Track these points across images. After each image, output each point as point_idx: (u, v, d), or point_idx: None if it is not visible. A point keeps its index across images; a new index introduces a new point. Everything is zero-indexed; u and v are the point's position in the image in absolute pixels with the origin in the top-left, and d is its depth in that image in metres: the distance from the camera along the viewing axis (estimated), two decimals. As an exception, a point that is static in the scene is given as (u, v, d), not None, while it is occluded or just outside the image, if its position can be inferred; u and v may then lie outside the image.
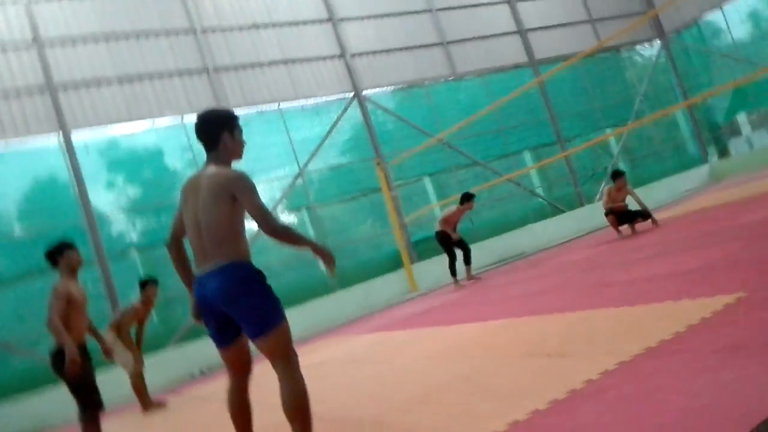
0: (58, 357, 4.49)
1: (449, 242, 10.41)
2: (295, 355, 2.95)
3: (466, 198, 10.36)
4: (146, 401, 6.96)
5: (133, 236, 11.78)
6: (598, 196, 16.58)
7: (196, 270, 3.01)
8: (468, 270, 10.68)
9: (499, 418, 2.90)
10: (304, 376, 2.93)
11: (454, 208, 10.58)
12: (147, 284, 7.18)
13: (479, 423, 2.92)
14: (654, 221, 9.82)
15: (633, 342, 3.46)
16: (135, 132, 12.00)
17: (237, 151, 3.16)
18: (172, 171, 12.30)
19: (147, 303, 7.17)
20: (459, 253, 10.57)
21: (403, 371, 4.81)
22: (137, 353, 7.06)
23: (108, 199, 11.67)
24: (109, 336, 6.79)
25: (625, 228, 10.11)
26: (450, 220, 10.46)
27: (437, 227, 10.50)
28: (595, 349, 3.62)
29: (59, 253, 4.68)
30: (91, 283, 10.71)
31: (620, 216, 9.98)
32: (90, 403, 4.48)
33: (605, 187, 10.39)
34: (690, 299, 4.09)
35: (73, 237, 10.77)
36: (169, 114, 12.19)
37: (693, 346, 3.08)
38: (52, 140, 11.13)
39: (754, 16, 17.60)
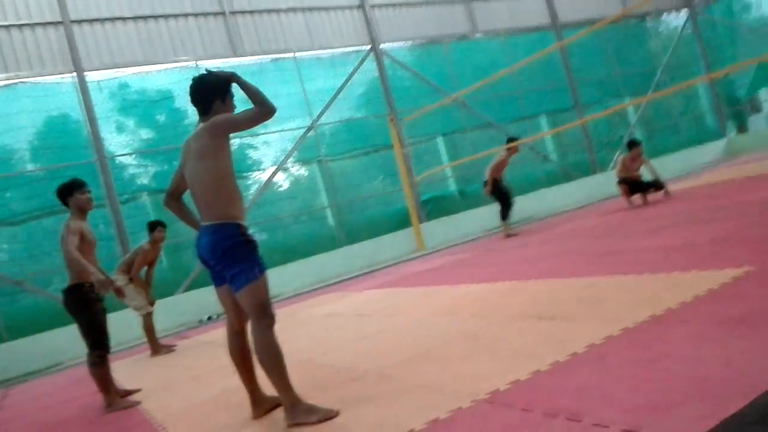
0: (71, 294, 4.57)
1: (501, 189, 10.54)
2: (270, 315, 3.07)
3: (511, 140, 10.62)
4: (155, 344, 7.11)
5: (144, 179, 11.81)
6: (611, 165, 16.45)
7: (201, 221, 3.22)
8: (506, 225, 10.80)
9: (500, 377, 2.94)
10: (277, 335, 3.08)
11: (503, 154, 10.60)
12: (155, 226, 7.26)
13: (480, 381, 2.96)
14: (666, 192, 9.74)
15: (639, 309, 3.48)
16: (148, 73, 11.90)
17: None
18: (184, 114, 12.23)
19: (156, 245, 7.25)
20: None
21: (407, 327, 4.87)
22: (148, 294, 7.18)
23: (119, 141, 11.65)
24: (119, 277, 6.91)
25: (636, 198, 10.04)
26: (499, 167, 10.56)
27: (487, 176, 10.54)
28: (600, 315, 3.64)
29: (69, 194, 4.71)
30: (103, 225, 10.84)
31: (632, 185, 9.90)
32: (99, 345, 4.56)
33: (620, 156, 10.29)
34: (698, 271, 4.09)
35: (85, 177, 10.87)
36: (184, 57, 12.07)
37: (699, 316, 3.09)
38: (65, 78, 11.06)
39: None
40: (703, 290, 3.52)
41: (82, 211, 4.73)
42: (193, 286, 11.20)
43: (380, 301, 6.90)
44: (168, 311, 10.41)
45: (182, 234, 11.09)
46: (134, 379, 5.80)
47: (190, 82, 3.26)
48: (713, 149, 18.09)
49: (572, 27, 16.82)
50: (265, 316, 3.05)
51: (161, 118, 12.01)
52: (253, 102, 3.08)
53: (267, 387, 3.25)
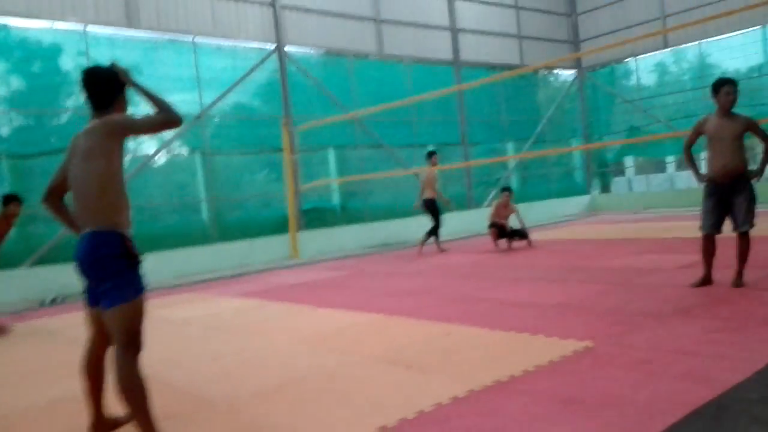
0: None
1: (437, 207, 11.23)
2: (137, 345, 2.86)
3: (432, 154, 11.43)
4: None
5: (4, 134, 10.70)
6: (486, 202, 17.32)
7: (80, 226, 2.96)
8: (424, 241, 11.44)
9: (349, 427, 3.00)
10: (141, 365, 2.86)
11: (431, 169, 11.27)
12: (10, 200, 6.69)
13: (328, 428, 3.00)
14: (529, 242, 10.44)
15: (486, 371, 3.69)
16: (30, 27, 10.92)
17: (124, 111, 3.11)
18: (64, 73, 11.33)
19: (8, 220, 6.68)
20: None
21: (265, 351, 4.82)
22: None
23: None
24: None
25: (502, 242, 10.65)
26: (434, 183, 11.22)
27: (428, 195, 11.16)
28: (452, 370, 3.81)
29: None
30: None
31: (501, 230, 10.52)
32: None
33: (495, 201, 10.94)
34: (545, 336, 4.41)
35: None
36: (72, 19, 11.19)
37: (536, 388, 3.32)
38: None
39: (660, 67, 18.98)
40: (545, 360, 3.80)
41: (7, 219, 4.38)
42: (42, 261, 10.37)
43: (243, 313, 6.78)
44: (8, 286, 9.58)
45: (37, 205, 10.22)
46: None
47: (86, 71, 3.00)
48: (578, 203, 19.59)
49: (472, 66, 17.60)
50: (132, 344, 2.82)
51: (36, 74, 11.00)
52: (158, 108, 2.88)
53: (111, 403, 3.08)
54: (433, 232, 11.34)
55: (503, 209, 10.51)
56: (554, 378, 3.47)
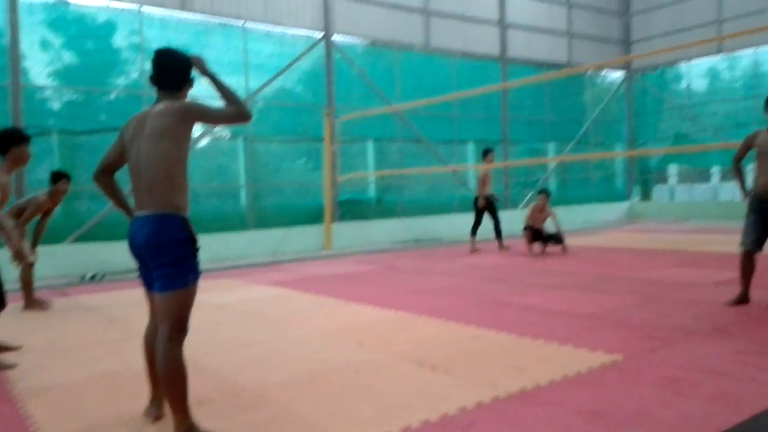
0: None
1: (493, 205, 11.31)
2: (185, 330, 2.93)
3: (488, 152, 11.38)
4: (30, 298, 6.77)
5: (56, 108, 11.03)
6: (522, 204, 17.18)
7: (135, 208, 2.99)
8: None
9: (372, 426, 3.06)
10: (183, 346, 2.92)
11: (486, 167, 11.32)
12: (60, 177, 6.90)
13: (353, 425, 3.07)
14: (564, 248, 10.32)
15: (512, 378, 3.71)
16: (86, 6, 11.21)
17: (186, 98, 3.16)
18: (116, 51, 11.62)
19: (55, 198, 6.90)
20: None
21: (296, 342, 4.92)
22: (32, 246, 6.82)
23: (40, 59, 10.81)
24: (8, 221, 6.52)
25: (536, 246, 10.56)
26: (488, 181, 11.30)
27: (483, 192, 11.25)
28: (477, 375, 3.84)
29: (9, 145, 4.52)
30: None
31: (536, 234, 10.42)
32: None
33: (532, 203, 10.86)
34: (574, 347, 4.40)
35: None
36: (129, 0, 11.47)
37: (562, 399, 3.33)
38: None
39: (712, 72, 18.46)
40: (572, 372, 3.80)
41: (15, 166, 4.62)
42: (84, 237, 10.71)
43: (276, 301, 6.91)
44: (50, 261, 9.88)
45: (83, 182, 10.56)
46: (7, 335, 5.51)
47: (161, 51, 3.04)
48: (617, 209, 19.26)
49: (518, 63, 17.41)
50: (181, 330, 2.88)
51: (89, 51, 11.29)
52: (228, 101, 2.94)
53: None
54: (497, 229, 11.42)
55: (539, 212, 10.41)
56: (580, 390, 3.47)
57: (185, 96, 3.12)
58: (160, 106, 2.96)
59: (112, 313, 6.47)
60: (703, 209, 17.64)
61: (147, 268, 2.98)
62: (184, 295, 2.87)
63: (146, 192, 2.87)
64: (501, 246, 11.28)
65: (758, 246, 5.51)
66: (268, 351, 4.66)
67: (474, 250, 11.26)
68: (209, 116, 2.99)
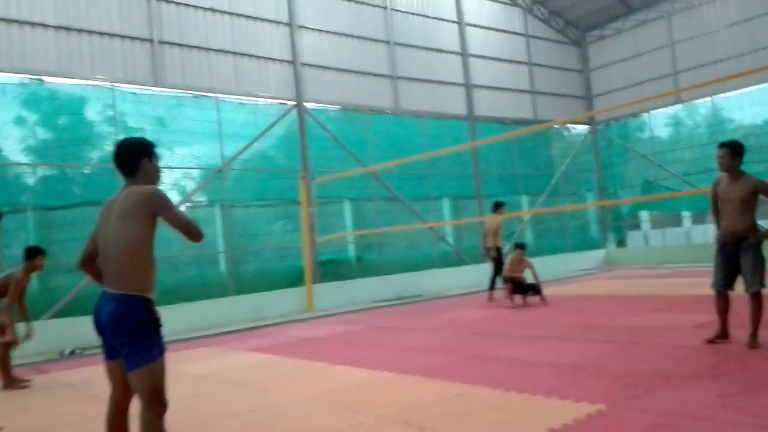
0: None
1: (501, 256, 11.63)
2: (162, 403, 2.98)
3: (499, 205, 11.84)
4: (8, 377, 6.62)
5: (31, 182, 10.98)
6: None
7: (105, 284, 3.07)
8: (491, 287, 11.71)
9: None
10: (164, 418, 2.98)
11: (496, 218, 11.63)
12: (36, 253, 6.86)
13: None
14: (543, 299, 10.44)
15: (499, 434, 3.72)
16: (60, 85, 11.38)
17: (155, 178, 3.27)
18: (90, 124, 11.68)
19: (30, 273, 6.85)
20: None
21: (279, 410, 4.87)
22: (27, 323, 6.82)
23: (13, 135, 10.81)
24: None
25: (517, 297, 10.65)
26: (498, 233, 11.64)
27: (491, 243, 11.57)
28: (465, 433, 3.84)
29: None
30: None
31: (516, 286, 10.54)
32: None
33: (510, 256, 11.02)
34: (559, 399, 4.42)
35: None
36: (102, 78, 11.67)
37: (550, 454, 3.35)
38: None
39: (675, 120, 19.15)
40: (558, 424, 3.82)
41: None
42: (61, 313, 10.52)
43: (258, 368, 6.84)
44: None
45: (59, 256, 10.48)
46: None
47: (116, 145, 3.25)
48: (593, 257, 19.53)
49: (486, 121, 17.95)
50: (157, 402, 2.94)
51: (64, 127, 11.36)
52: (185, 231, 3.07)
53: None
54: (494, 279, 11.64)
55: (517, 264, 10.58)
56: (567, 443, 3.49)
57: (149, 173, 3.22)
58: (127, 190, 3.13)
59: (92, 389, 6.33)
60: (677, 253, 17.98)
61: (106, 342, 3.08)
62: (152, 369, 2.94)
63: (112, 272, 2.99)
64: (491, 297, 11.50)
65: (726, 286, 5.70)
66: (251, 421, 4.60)
67: (492, 300, 11.49)
68: (167, 215, 3.03)
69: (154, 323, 2.98)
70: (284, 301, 12.74)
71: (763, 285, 5.52)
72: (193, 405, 5.28)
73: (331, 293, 13.52)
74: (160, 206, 3.04)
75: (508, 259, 10.93)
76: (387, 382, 5.53)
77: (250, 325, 11.32)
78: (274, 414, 4.75)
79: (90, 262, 3.27)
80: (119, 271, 2.96)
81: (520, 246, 10.87)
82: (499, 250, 11.70)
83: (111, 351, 3.07)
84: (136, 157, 3.18)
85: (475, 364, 6.02)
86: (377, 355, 7.02)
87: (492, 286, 11.69)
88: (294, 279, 13.36)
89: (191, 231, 3.02)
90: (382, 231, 14.61)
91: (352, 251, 15.19)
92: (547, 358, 5.95)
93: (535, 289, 10.50)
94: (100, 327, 3.03)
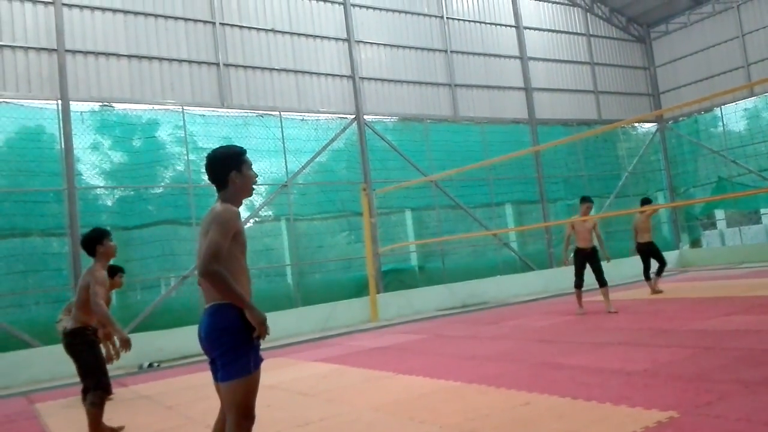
0: (75, 336, 4.90)
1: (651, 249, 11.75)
2: (251, 417, 2.98)
3: (646, 201, 11.90)
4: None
5: (109, 204, 11.64)
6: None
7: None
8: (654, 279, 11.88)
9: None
10: None
11: (646, 214, 11.74)
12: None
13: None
14: (606, 294, 9.85)
15: (565, 443, 3.68)
16: (133, 111, 12.02)
17: (247, 188, 3.24)
18: (161, 145, 12.27)
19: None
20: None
21: (346, 419, 4.97)
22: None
23: (91, 160, 11.50)
24: (64, 318, 6.93)
25: (586, 304, 10.32)
26: (647, 227, 11.83)
27: (642, 239, 11.70)
28: (530, 442, 3.82)
29: (99, 242, 4.95)
30: (57, 256, 10.70)
31: (583, 260, 10.00)
32: (102, 385, 4.82)
33: (571, 219, 10.64)
34: (628, 406, 4.33)
35: (51, 205, 10.82)
36: (171, 101, 12.27)
37: (617, 462, 3.30)
38: (50, 103, 11.10)
39: (750, 113, 18.27)
40: (627, 432, 3.75)
41: (107, 259, 5.04)
42: (139, 328, 11.05)
43: (326, 378, 6.98)
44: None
45: (138, 273, 11.04)
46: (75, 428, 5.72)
47: (207, 157, 3.22)
48: (667, 259, 18.77)
49: (548, 124, 17.67)
50: (247, 417, 2.93)
51: (136, 147, 11.99)
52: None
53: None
54: (660, 270, 11.79)
55: (582, 224, 10.02)
56: (635, 452, 3.43)
57: (237, 186, 3.20)
58: (214, 205, 3.17)
59: (169, 401, 6.65)
60: (757, 251, 17.10)
61: (209, 358, 3.08)
62: (246, 383, 2.92)
63: (206, 286, 3.01)
64: (655, 285, 11.82)
65: None
66: (319, 430, 4.72)
67: (656, 291, 11.70)
68: (210, 234, 2.96)
69: (249, 332, 2.91)
70: (349, 311, 12.93)
71: None
72: (263, 415, 5.45)
73: (395, 302, 13.62)
74: (214, 223, 2.99)
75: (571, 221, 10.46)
76: (451, 391, 5.54)
77: (316, 335, 11.57)
78: (341, 423, 4.86)
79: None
80: (209, 283, 2.94)
81: (586, 199, 10.31)
82: (647, 244, 11.68)
83: (212, 369, 3.07)
84: (224, 171, 3.16)
85: (541, 372, 5.95)
86: (441, 364, 7.04)
87: (659, 274, 11.82)
88: (358, 289, 13.55)
89: (207, 261, 2.87)
90: (444, 239, 14.61)
91: (414, 260, 15.26)
92: (617, 364, 5.82)
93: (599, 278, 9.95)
94: (202, 344, 3.04)
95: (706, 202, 18.37)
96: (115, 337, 4.92)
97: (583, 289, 10.27)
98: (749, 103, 18.14)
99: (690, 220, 20.07)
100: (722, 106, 18.57)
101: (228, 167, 3.19)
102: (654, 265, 11.75)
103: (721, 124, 18.88)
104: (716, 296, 10.39)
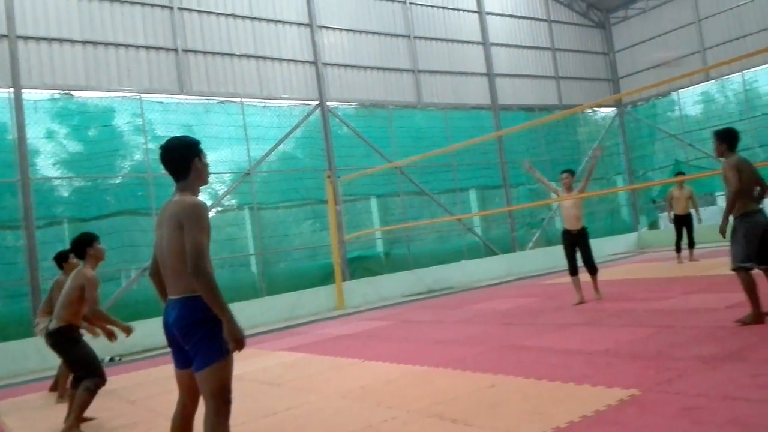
0: (60, 334, 5.06)
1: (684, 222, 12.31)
2: (229, 402, 3.00)
3: (680, 173, 12.62)
4: (63, 389, 6.85)
5: (65, 195, 11.30)
6: (530, 244, 17.28)
7: (168, 292, 3.11)
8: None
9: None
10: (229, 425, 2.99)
11: (682, 189, 12.08)
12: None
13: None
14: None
15: (532, 423, 3.74)
16: (88, 98, 11.66)
17: (205, 176, 3.25)
18: (119, 134, 11.94)
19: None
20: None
21: (314, 407, 4.96)
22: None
23: (46, 149, 11.12)
24: (41, 320, 6.82)
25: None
26: (674, 203, 12.26)
27: (678, 211, 12.21)
28: (498, 423, 3.87)
29: (89, 244, 5.16)
30: (11, 250, 10.38)
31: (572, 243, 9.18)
32: (97, 373, 5.04)
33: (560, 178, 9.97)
34: (591, 385, 4.42)
35: (3, 197, 10.46)
36: (129, 89, 11.94)
37: (582, 441, 3.36)
38: (2, 92, 10.70)
39: (706, 96, 18.72)
40: (591, 410, 3.82)
41: (97, 261, 5.21)
42: (102, 320, 10.81)
43: (293, 367, 6.95)
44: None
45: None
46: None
47: (162, 147, 3.13)
48: (626, 241, 19.26)
49: (510, 110, 17.81)
50: (225, 403, 2.95)
51: (94, 137, 11.65)
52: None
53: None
54: (691, 244, 12.49)
55: (568, 190, 9.46)
56: (600, 429, 3.49)
57: (201, 173, 3.18)
58: (177, 198, 3.10)
59: (132, 395, 6.53)
60: (711, 232, 17.49)
61: (178, 348, 3.08)
62: (221, 368, 2.95)
63: (172, 278, 3.02)
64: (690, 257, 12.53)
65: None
66: (287, 419, 4.69)
67: (681, 261, 12.41)
68: (188, 232, 2.93)
69: (218, 321, 2.92)
70: (315, 299, 12.89)
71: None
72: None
73: (362, 290, 13.62)
74: (187, 219, 2.95)
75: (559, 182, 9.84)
76: (418, 376, 5.57)
77: (282, 324, 11.50)
78: (308, 411, 4.84)
79: (159, 273, 3.20)
80: (178, 275, 2.97)
81: (567, 171, 9.67)
82: (683, 217, 12.19)
83: (180, 360, 3.09)
84: (188, 157, 3.12)
85: (506, 354, 6.03)
86: (408, 349, 7.07)
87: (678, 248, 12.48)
88: (324, 277, 13.49)
89: (198, 262, 2.86)
90: (409, 225, 14.64)
91: (380, 247, 15.26)
92: (579, 345, 5.93)
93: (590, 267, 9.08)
94: (170, 335, 3.06)
95: (663, 184, 18.77)
96: (117, 329, 5.23)
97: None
98: (705, 87, 18.57)
99: (647, 203, 20.53)
100: (679, 91, 18.98)
101: (190, 154, 3.16)
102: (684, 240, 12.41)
103: (677, 108, 19.30)
104: (674, 276, 10.68)
